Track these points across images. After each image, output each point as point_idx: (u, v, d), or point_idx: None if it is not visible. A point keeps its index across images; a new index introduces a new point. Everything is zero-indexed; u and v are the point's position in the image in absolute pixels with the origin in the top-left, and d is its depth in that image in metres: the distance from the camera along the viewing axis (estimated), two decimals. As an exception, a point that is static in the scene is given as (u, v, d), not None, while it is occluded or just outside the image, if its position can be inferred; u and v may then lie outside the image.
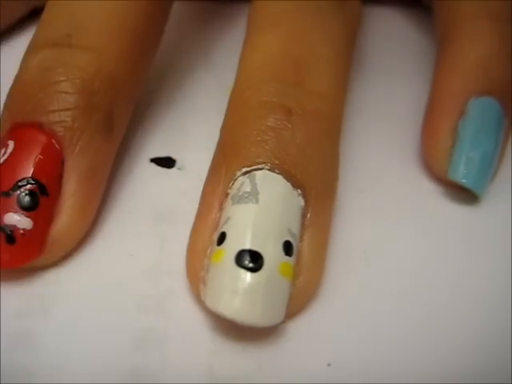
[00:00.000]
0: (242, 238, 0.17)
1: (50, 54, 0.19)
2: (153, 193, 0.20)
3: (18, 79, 0.19)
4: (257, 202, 0.17)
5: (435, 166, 0.21)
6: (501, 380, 0.17)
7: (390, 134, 0.23)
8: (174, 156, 0.22)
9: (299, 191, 0.18)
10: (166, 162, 0.21)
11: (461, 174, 0.20)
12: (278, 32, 0.20)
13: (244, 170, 0.18)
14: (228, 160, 0.18)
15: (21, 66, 0.19)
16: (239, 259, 0.16)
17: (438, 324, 0.18)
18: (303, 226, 0.18)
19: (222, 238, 0.17)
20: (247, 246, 0.16)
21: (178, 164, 0.21)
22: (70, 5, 0.20)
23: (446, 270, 0.19)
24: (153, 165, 0.21)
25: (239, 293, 0.16)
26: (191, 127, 0.23)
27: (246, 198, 0.17)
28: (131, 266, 0.19)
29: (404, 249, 0.19)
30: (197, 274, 0.17)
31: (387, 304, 0.18)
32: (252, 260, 0.16)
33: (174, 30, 0.25)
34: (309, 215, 0.18)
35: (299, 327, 0.17)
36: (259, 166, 0.18)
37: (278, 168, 0.18)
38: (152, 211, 0.20)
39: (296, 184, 0.18)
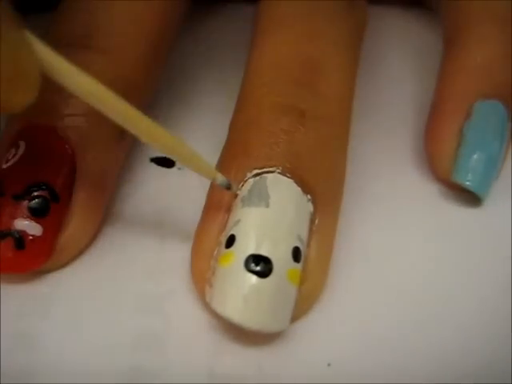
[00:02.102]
0: (252, 242, 0.16)
1: (66, 54, 0.18)
2: (153, 193, 0.20)
3: None
4: (267, 206, 0.17)
5: (439, 168, 0.21)
6: (501, 380, 0.17)
7: (392, 134, 0.23)
8: (174, 156, 0.22)
9: (309, 197, 0.17)
10: (166, 162, 0.21)
11: (465, 176, 0.20)
12: (291, 33, 0.20)
13: (255, 171, 0.17)
14: (238, 160, 0.18)
15: None
16: (248, 263, 0.16)
17: (438, 325, 0.18)
18: (311, 231, 0.17)
19: (231, 240, 0.17)
20: (257, 251, 0.16)
21: (177, 164, 0.21)
22: (89, 5, 0.20)
23: (447, 271, 0.19)
24: (153, 164, 0.21)
25: (247, 298, 0.16)
26: (191, 126, 0.23)
27: (257, 201, 0.17)
28: (131, 266, 0.19)
29: (405, 249, 0.19)
30: (203, 275, 0.17)
31: (387, 304, 0.18)
32: (261, 265, 0.16)
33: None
34: (317, 221, 0.18)
35: (299, 327, 0.17)
36: (270, 169, 0.17)
37: (289, 172, 0.17)
38: (152, 211, 0.20)
39: (306, 189, 0.17)
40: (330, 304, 0.18)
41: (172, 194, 0.20)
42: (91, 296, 0.18)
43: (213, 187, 0.19)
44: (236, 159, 0.18)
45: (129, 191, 0.20)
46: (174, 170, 0.21)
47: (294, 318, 0.17)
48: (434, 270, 0.19)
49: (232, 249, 0.17)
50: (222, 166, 0.19)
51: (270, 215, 0.17)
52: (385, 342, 0.17)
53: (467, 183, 0.20)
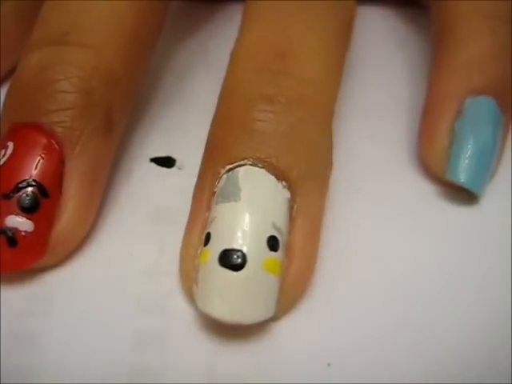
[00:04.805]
0: (224, 237, 0.17)
1: (48, 53, 0.19)
2: (153, 193, 0.20)
3: (16, 78, 0.19)
4: (239, 199, 0.17)
5: (433, 167, 0.21)
6: (501, 380, 0.17)
7: (388, 133, 0.23)
8: (173, 156, 0.22)
9: (284, 183, 0.17)
10: (166, 162, 0.21)
11: (459, 174, 0.20)
12: (262, 25, 0.20)
13: (228, 167, 0.18)
14: (213, 158, 0.18)
15: (19, 66, 0.19)
16: (222, 259, 0.16)
17: (437, 324, 0.18)
18: (291, 217, 0.17)
19: (207, 238, 0.17)
20: (229, 245, 0.16)
21: (177, 164, 0.21)
22: (67, 4, 0.20)
23: (444, 270, 0.19)
24: (153, 164, 0.21)
25: (222, 292, 0.16)
26: (191, 127, 0.23)
27: (229, 196, 0.17)
28: (131, 266, 0.19)
29: (401, 248, 0.19)
30: (189, 275, 0.17)
31: (387, 304, 0.18)
32: (234, 259, 0.16)
33: (173, 29, 0.25)
34: (296, 206, 0.18)
35: (299, 327, 0.17)
36: (241, 162, 0.18)
37: (260, 162, 0.17)
38: (152, 211, 0.20)
39: (280, 176, 0.17)
40: (329, 304, 0.18)
41: (172, 193, 0.20)
42: (91, 296, 0.18)
43: (195, 187, 0.19)
44: (211, 157, 0.18)
45: (129, 191, 0.20)
46: (174, 169, 0.21)
47: (284, 306, 0.17)
48: (433, 269, 0.19)
49: (208, 246, 0.17)
50: (201, 165, 0.19)
51: (241, 208, 0.17)
52: (385, 342, 0.17)
53: (461, 181, 0.20)
